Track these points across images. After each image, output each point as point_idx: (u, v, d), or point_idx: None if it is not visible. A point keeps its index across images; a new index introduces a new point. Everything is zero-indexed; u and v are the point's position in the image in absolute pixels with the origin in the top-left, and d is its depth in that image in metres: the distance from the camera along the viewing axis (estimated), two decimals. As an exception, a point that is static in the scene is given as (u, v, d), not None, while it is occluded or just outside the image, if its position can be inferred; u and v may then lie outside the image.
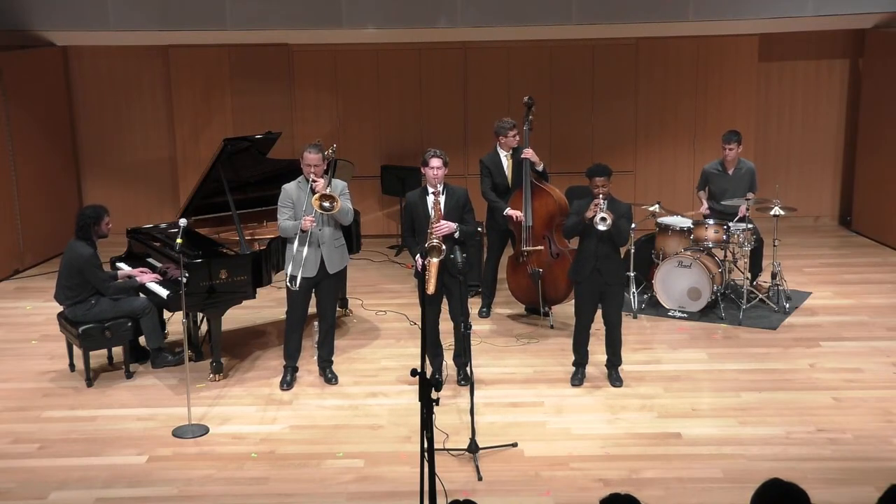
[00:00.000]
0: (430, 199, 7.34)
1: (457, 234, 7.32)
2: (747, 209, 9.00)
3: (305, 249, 7.35)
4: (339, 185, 7.47)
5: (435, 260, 7.14)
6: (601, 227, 7.16)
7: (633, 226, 8.91)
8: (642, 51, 11.35)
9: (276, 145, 8.39)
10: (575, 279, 7.60)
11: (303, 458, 6.57)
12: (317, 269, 7.41)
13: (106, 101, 11.59)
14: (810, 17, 10.92)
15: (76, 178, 11.65)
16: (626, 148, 11.54)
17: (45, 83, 11.02)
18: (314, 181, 7.27)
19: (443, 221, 7.27)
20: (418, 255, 7.27)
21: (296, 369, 7.73)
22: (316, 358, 7.86)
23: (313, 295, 7.62)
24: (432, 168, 7.31)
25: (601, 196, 7.24)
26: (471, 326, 6.74)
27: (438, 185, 7.33)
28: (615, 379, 7.59)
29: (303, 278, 7.42)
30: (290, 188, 7.43)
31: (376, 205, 11.66)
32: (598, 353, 7.71)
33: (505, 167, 8.82)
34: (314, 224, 7.29)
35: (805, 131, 11.86)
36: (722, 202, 9.24)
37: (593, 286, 7.43)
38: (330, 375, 7.73)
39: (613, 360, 7.63)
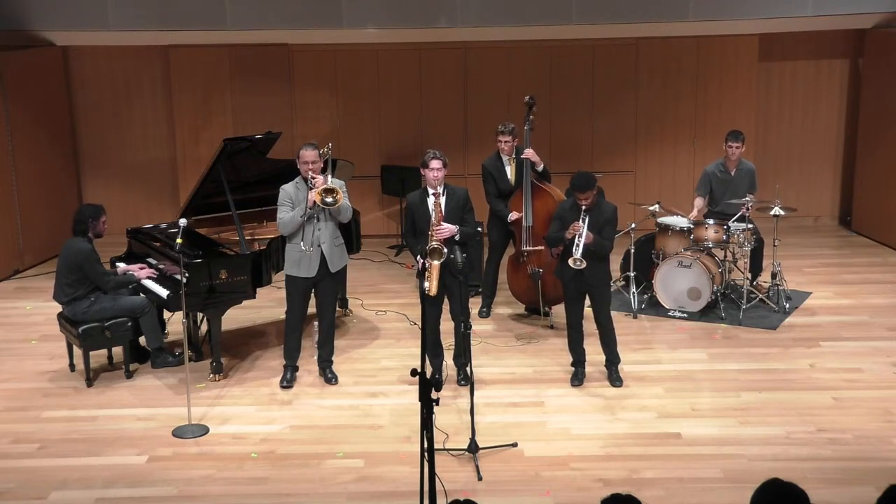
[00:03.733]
0: (431, 200, 7.34)
1: (457, 237, 7.32)
2: (748, 209, 8.98)
3: (307, 244, 7.31)
4: (336, 183, 7.46)
5: (436, 263, 7.15)
6: (575, 266, 7.15)
7: (632, 225, 8.97)
8: (642, 51, 11.35)
9: (276, 145, 8.40)
10: (559, 277, 7.60)
11: (303, 458, 6.57)
12: (317, 268, 7.41)
13: (106, 101, 11.59)
14: (810, 17, 10.91)
15: (76, 178, 11.65)
16: (626, 148, 11.54)
17: (45, 83, 11.01)
18: (313, 178, 7.26)
19: (444, 224, 7.27)
20: (419, 256, 7.27)
21: (296, 368, 7.73)
22: (316, 358, 7.86)
23: (312, 295, 7.62)
24: (432, 170, 7.31)
25: (582, 212, 7.17)
26: (471, 326, 6.74)
27: (438, 187, 7.33)
28: (615, 378, 7.59)
29: (303, 278, 7.41)
30: (288, 189, 7.41)
31: (376, 205, 11.66)
32: (597, 354, 7.71)
33: (508, 171, 8.80)
34: (319, 199, 7.22)
35: (805, 131, 11.86)
36: (723, 202, 9.23)
37: (578, 287, 7.44)
38: (330, 375, 7.73)
39: (611, 359, 7.64)
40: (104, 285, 7.69)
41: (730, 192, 9.23)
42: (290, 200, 7.36)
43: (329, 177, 7.36)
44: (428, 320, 7.36)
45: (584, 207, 7.22)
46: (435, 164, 7.31)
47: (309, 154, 7.30)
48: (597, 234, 7.29)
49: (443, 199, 7.34)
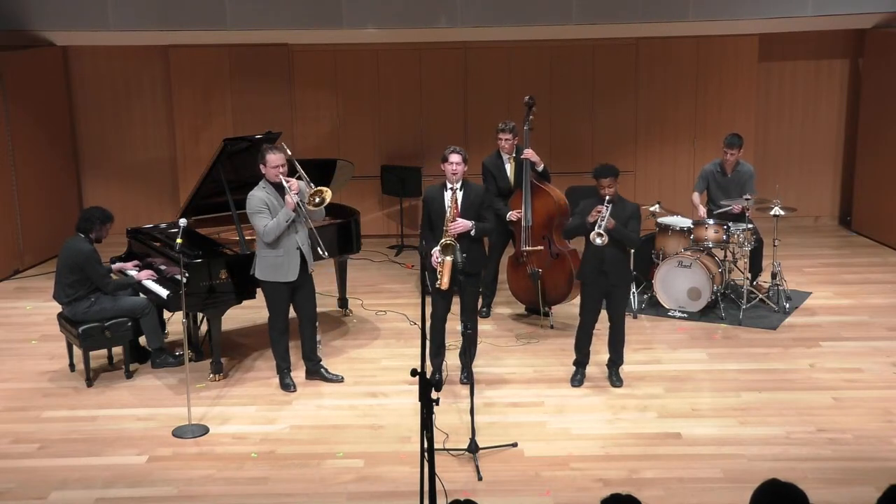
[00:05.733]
0: (448, 194, 7.35)
1: (472, 232, 7.31)
2: (747, 208, 8.98)
3: (287, 249, 7.28)
4: (302, 185, 7.38)
5: (449, 259, 7.15)
6: (597, 242, 7.11)
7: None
8: (642, 51, 11.35)
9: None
10: (580, 279, 7.59)
11: (303, 458, 6.57)
12: (298, 271, 7.37)
13: (106, 101, 11.59)
14: (810, 17, 10.91)
15: (76, 178, 11.65)
16: (626, 148, 11.54)
17: (45, 83, 11.02)
18: (287, 181, 7.20)
19: (459, 219, 7.27)
20: (435, 250, 7.23)
21: (290, 369, 7.69)
22: (306, 361, 7.82)
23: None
24: (451, 164, 7.33)
25: (606, 200, 7.17)
26: (471, 328, 6.73)
27: (457, 182, 7.34)
28: (615, 379, 7.58)
29: (285, 283, 7.37)
30: (261, 195, 7.27)
31: (376, 205, 11.67)
32: (598, 353, 7.71)
33: (507, 171, 8.81)
34: (298, 195, 7.17)
35: (805, 131, 11.86)
36: (720, 202, 9.24)
37: (599, 287, 7.41)
38: (331, 375, 7.71)
39: (615, 360, 7.63)
40: (105, 287, 7.69)
41: (725, 193, 9.24)
42: (266, 207, 7.25)
43: (299, 176, 7.30)
44: (435, 319, 7.38)
45: (607, 198, 7.21)
46: (454, 157, 7.33)
47: (277, 158, 7.21)
48: (622, 227, 7.29)
49: (460, 195, 7.34)
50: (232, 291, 7.68)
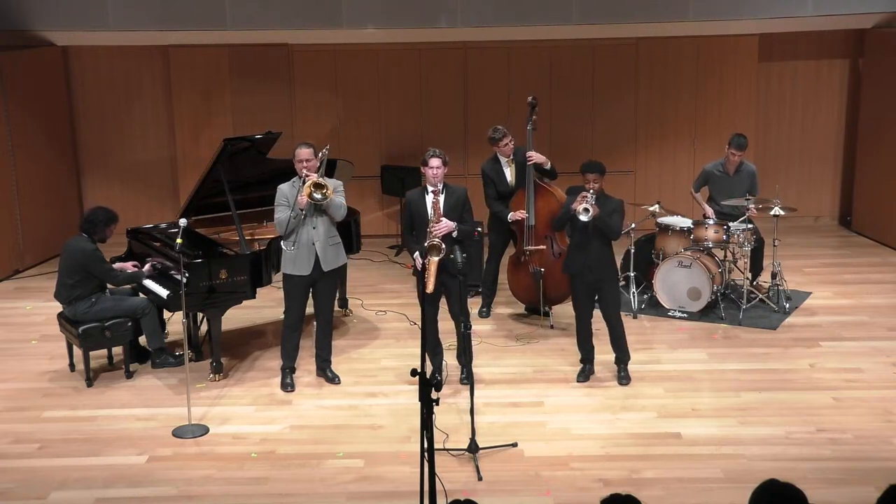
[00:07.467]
0: (430, 198, 7.35)
1: (455, 234, 7.33)
2: (748, 210, 8.98)
3: (295, 244, 7.31)
4: (332, 183, 7.43)
5: (435, 259, 7.16)
6: (582, 218, 7.21)
7: (632, 225, 8.98)
8: (642, 51, 11.35)
9: (277, 145, 8.39)
10: (567, 272, 7.62)
11: (303, 458, 6.58)
12: (311, 267, 7.39)
13: (106, 101, 11.59)
14: (810, 17, 10.93)
15: (76, 178, 11.65)
16: (626, 148, 11.55)
17: (45, 83, 11.01)
18: (307, 176, 7.25)
19: (443, 220, 7.29)
20: (417, 254, 7.28)
21: (293, 370, 7.71)
22: (314, 357, 7.85)
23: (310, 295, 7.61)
24: (431, 168, 7.34)
25: (591, 191, 7.30)
26: (470, 327, 6.74)
27: (438, 185, 7.35)
28: (623, 377, 7.58)
29: (299, 276, 7.41)
30: (284, 188, 7.39)
31: (376, 205, 11.67)
32: (602, 353, 7.71)
33: (507, 174, 8.81)
34: (310, 202, 7.23)
35: (805, 131, 11.87)
36: (722, 203, 9.25)
37: (587, 283, 7.45)
38: (331, 375, 7.73)
39: (620, 357, 7.64)
40: (113, 280, 7.71)
41: (727, 193, 9.24)
42: (287, 200, 7.34)
43: (323, 175, 7.33)
44: (427, 320, 7.37)
45: (591, 191, 7.31)
46: (434, 162, 7.34)
47: (303, 152, 7.31)
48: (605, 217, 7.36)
49: (441, 197, 7.35)
50: (233, 291, 7.67)
